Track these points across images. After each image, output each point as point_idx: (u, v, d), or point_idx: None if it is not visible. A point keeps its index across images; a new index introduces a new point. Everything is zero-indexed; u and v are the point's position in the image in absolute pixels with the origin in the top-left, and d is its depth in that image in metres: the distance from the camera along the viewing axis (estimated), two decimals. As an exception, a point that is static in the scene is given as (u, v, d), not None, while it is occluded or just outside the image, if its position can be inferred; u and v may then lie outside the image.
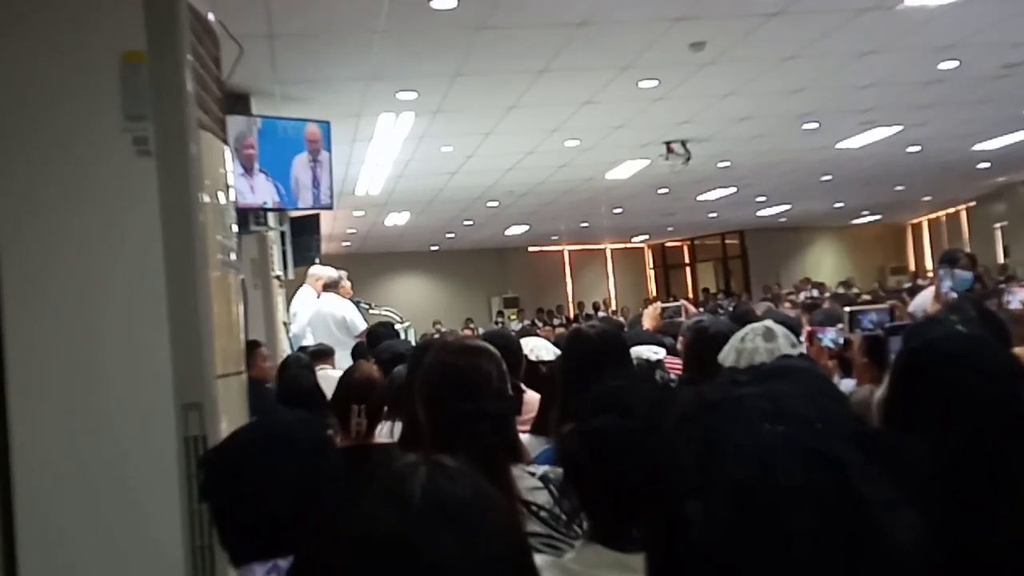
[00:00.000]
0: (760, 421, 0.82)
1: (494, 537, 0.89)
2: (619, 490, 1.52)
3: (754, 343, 2.94)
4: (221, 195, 2.81)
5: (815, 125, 10.67)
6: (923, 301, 5.52)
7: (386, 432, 3.61)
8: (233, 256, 2.91)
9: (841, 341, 4.35)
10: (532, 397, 3.47)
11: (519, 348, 3.71)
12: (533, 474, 2.14)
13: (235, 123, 6.14)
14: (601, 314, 20.15)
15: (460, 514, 0.88)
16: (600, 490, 1.62)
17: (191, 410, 2.44)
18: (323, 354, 6.41)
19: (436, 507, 0.87)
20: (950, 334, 1.73)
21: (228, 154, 3.00)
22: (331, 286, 8.06)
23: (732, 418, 0.84)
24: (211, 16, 2.91)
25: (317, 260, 8.67)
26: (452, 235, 19.42)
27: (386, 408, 3.63)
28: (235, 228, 3.01)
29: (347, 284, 8.25)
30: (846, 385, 3.89)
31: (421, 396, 2.22)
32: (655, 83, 8.27)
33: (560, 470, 1.85)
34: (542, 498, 2.04)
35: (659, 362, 3.84)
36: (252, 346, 3.56)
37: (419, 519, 0.86)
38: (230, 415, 2.56)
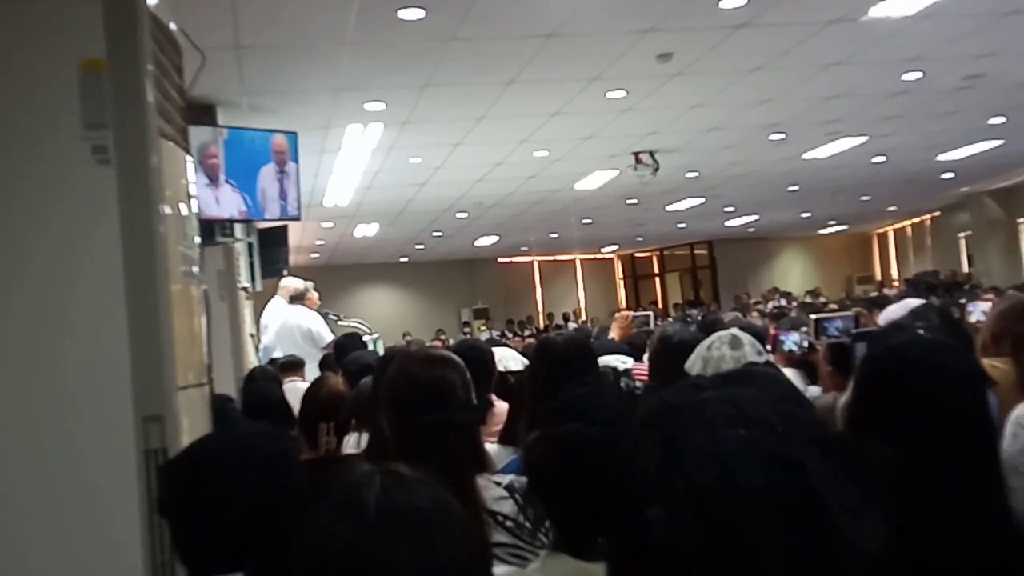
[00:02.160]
0: (722, 425, 0.81)
1: (452, 547, 0.87)
2: (583, 498, 1.51)
3: (720, 351, 2.94)
4: (183, 205, 2.77)
5: (782, 136, 10.76)
6: (890, 315, 5.46)
7: (352, 444, 3.58)
8: (195, 267, 2.87)
9: (805, 344, 4.36)
10: (501, 408, 3.46)
11: (491, 359, 3.70)
12: (499, 484, 2.12)
13: (199, 133, 6.09)
14: (572, 325, 20.16)
15: (416, 524, 0.86)
16: (565, 498, 1.61)
17: (152, 422, 2.40)
18: (293, 366, 6.36)
19: (391, 517, 0.86)
20: (915, 340, 1.73)
21: (191, 164, 2.97)
22: (297, 298, 8.02)
23: (694, 422, 0.83)
24: (173, 26, 2.88)
25: (285, 272, 8.62)
26: (421, 246, 19.39)
27: (353, 420, 3.60)
28: (197, 239, 2.97)
29: (314, 295, 8.20)
30: (811, 392, 3.91)
31: (385, 407, 2.20)
32: (623, 94, 8.31)
33: (526, 480, 1.84)
34: (507, 508, 2.03)
35: (627, 371, 3.84)
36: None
37: (374, 530, 0.85)
38: (192, 427, 2.52)
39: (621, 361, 3.97)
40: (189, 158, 2.93)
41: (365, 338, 7.59)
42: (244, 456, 1.66)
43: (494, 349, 4.08)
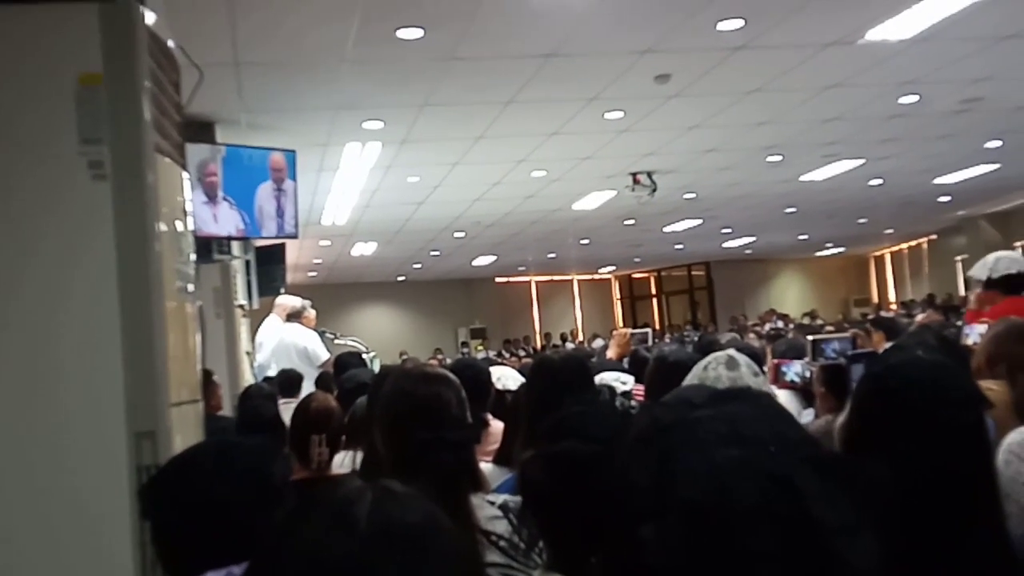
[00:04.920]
0: (715, 444, 0.81)
1: (444, 563, 0.86)
2: (578, 516, 1.49)
3: (717, 371, 2.92)
4: (178, 222, 2.76)
5: (779, 157, 10.78)
6: None
7: (347, 463, 3.57)
8: (190, 284, 2.86)
9: (808, 375, 4.31)
10: (497, 427, 3.44)
11: (488, 378, 3.69)
12: (493, 503, 2.11)
13: (198, 151, 6.10)
14: (570, 346, 20.15)
15: (408, 539, 0.85)
16: (559, 516, 1.60)
17: (144, 438, 2.39)
18: (292, 387, 6.31)
19: (383, 533, 0.85)
20: (913, 360, 1.72)
21: (187, 180, 2.96)
22: (294, 316, 8.01)
23: (687, 441, 0.82)
24: (171, 43, 2.88)
25: (283, 290, 8.62)
26: (419, 265, 19.39)
27: (344, 438, 3.59)
28: (193, 256, 2.96)
29: (311, 314, 8.19)
30: (806, 416, 3.89)
31: (380, 424, 2.19)
32: (621, 114, 8.32)
33: (520, 499, 1.82)
34: (501, 527, 2.01)
35: (627, 392, 3.82)
36: (206, 375, 3.53)
37: (366, 545, 0.84)
38: (184, 444, 2.50)
39: (621, 382, 3.95)
40: (186, 175, 2.92)
41: (362, 357, 7.56)
42: (226, 450, 1.72)
43: (492, 368, 4.06)
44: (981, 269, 4.75)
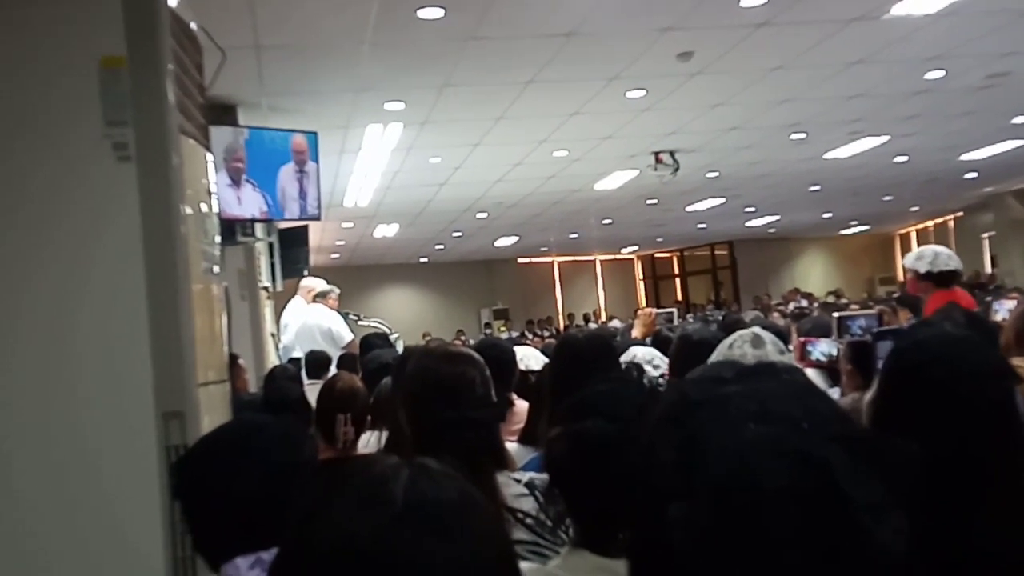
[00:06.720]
0: (745, 421, 0.80)
1: (479, 541, 0.86)
2: (604, 494, 1.50)
3: (742, 350, 2.91)
4: (203, 203, 2.78)
5: (803, 135, 10.69)
6: None
7: (373, 443, 3.59)
8: (216, 265, 2.87)
9: (834, 353, 4.29)
10: (521, 407, 3.44)
11: (513, 358, 3.68)
12: (519, 481, 2.11)
13: (223, 135, 6.12)
14: (592, 325, 20.13)
15: (444, 517, 0.85)
16: (585, 494, 1.60)
17: (172, 419, 2.41)
18: (319, 368, 6.34)
19: (419, 510, 0.84)
20: (941, 334, 1.71)
21: (211, 162, 2.97)
22: (319, 297, 8.05)
23: (716, 418, 0.82)
24: (194, 25, 2.89)
25: (306, 272, 8.65)
26: (441, 247, 19.41)
27: (370, 418, 3.60)
28: (218, 238, 2.97)
29: (335, 295, 8.23)
30: (832, 394, 3.87)
31: (404, 403, 2.20)
32: (643, 93, 8.28)
33: (546, 477, 1.83)
34: (528, 505, 2.02)
35: (663, 375, 3.79)
36: (232, 359, 3.56)
37: (401, 522, 0.83)
38: (212, 424, 2.52)
39: (655, 365, 3.92)
40: (210, 156, 2.93)
41: (386, 338, 7.58)
42: (252, 433, 1.71)
43: (516, 348, 4.06)
44: (920, 262, 4.99)
